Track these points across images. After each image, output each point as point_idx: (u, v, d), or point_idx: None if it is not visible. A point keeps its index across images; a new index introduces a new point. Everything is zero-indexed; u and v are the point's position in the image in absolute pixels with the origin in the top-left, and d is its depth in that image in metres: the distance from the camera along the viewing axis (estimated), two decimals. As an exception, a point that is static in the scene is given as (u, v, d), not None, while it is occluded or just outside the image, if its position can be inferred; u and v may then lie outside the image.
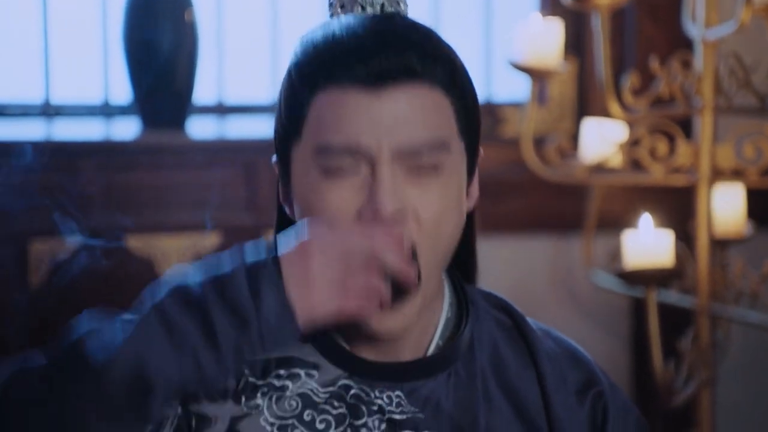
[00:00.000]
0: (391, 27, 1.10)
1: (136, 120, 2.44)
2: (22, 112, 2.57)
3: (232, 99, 2.67)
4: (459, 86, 1.11)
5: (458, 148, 1.12)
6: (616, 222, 2.51)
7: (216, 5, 2.62)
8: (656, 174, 2.34)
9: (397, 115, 1.07)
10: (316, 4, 2.59)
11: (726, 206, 2.39)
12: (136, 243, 2.28)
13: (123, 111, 2.57)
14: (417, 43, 1.09)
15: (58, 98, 2.58)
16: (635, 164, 2.37)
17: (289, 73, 1.13)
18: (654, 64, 2.31)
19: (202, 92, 2.57)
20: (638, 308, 2.59)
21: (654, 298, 2.31)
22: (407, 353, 1.15)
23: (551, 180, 2.40)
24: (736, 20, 2.16)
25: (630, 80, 2.31)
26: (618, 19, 2.72)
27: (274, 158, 1.16)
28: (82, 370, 1.01)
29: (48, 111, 2.58)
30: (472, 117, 1.14)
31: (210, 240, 2.35)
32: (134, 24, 2.34)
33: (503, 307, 1.23)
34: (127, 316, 1.04)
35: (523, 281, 2.74)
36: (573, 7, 2.33)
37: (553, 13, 2.61)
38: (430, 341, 1.17)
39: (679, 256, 2.39)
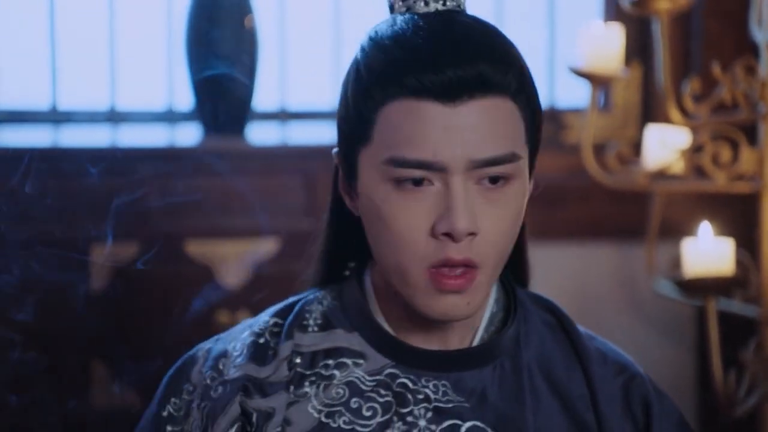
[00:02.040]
0: (463, 33, 1.10)
1: (198, 126, 2.47)
2: (89, 118, 2.62)
3: (294, 105, 2.69)
4: (526, 92, 1.12)
5: (525, 154, 1.13)
6: (679, 229, 2.48)
7: (278, 11, 2.64)
8: (719, 181, 2.31)
9: (472, 129, 1.08)
10: (379, 9, 2.59)
11: (792, 214, 2.34)
12: (195, 249, 2.30)
13: (186, 117, 2.60)
14: (490, 52, 1.09)
15: (123, 105, 2.62)
16: (698, 171, 2.34)
17: (358, 72, 1.12)
18: (716, 69, 2.27)
19: (264, 99, 2.59)
20: (702, 317, 2.56)
21: (714, 306, 2.28)
22: (453, 344, 1.18)
23: (611, 187, 2.38)
24: (800, 25, 2.13)
25: (690, 86, 2.28)
26: (684, 22, 2.69)
27: (335, 149, 1.17)
28: None
29: (113, 117, 2.62)
30: (538, 120, 1.15)
31: (268, 246, 2.36)
32: (195, 30, 2.37)
33: (550, 309, 1.26)
34: None
35: (585, 289, 2.72)
36: (633, 13, 2.30)
37: (617, 19, 2.58)
38: (475, 334, 1.19)
39: (743, 264, 2.35)
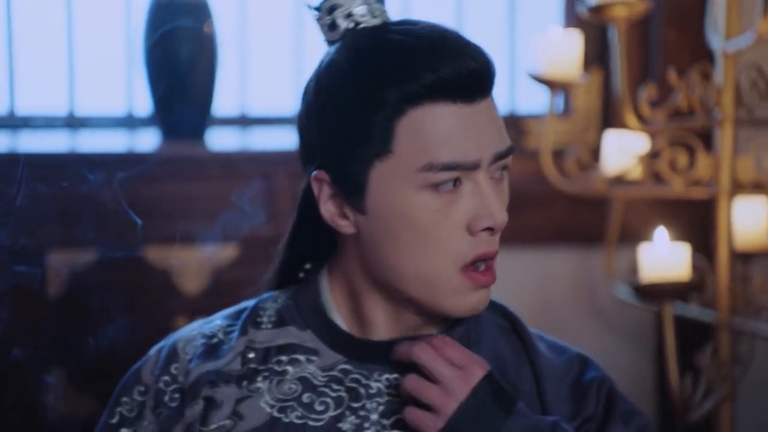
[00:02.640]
0: (453, 34, 1.14)
1: (157, 132, 2.46)
2: (47, 124, 2.60)
3: (254, 111, 2.68)
4: None
5: None
6: (639, 235, 2.49)
7: (238, 16, 2.64)
8: (676, 187, 2.32)
9: (489, 124, 1.13)
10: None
11: (748, 219, 2.36)
12: (154, 255, 2.29)
13: (145, 123, 2.59)
14: (482, 51, 1.14)
15: (82, 110, 2.61)
16: (656, 177, 2.35)
17: (361, 88, 1.12)
18: (672, 75, 2.29)
19: (224, 104, 2.58)
20: (661, 322, 2.57)
21: (670, 311, 2.30)
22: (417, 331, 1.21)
23: (570, 192, 2.39)
24: (753, 32, 2.14)
25: (647, 92, 2.29)
26: (643, 29, 2.70)
27: (315, 172, 1.16)
28: None
29: (72, 123, 2.60)
30: None
31: (228, 252, 2.35)
32: (154, 35, 2.36)
33: (503, 313, 1.28)
34: None
35: (545, 294, 2.73)
36: (590, 20, 2.32)
37: (578, 25, 2.60)
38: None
39: (699, 269, 2.37)
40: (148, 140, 2.49)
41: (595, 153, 2.50)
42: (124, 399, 1.23)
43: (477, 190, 1.12)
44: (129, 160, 2.36)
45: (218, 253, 2.35)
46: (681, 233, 2.38)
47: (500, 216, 1.12)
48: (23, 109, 2.59)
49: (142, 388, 1.23)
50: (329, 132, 1.14)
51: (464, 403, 1.14)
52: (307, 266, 1.25)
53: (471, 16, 2.80)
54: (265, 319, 1.23)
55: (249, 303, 1.27)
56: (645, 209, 2.59)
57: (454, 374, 1.15)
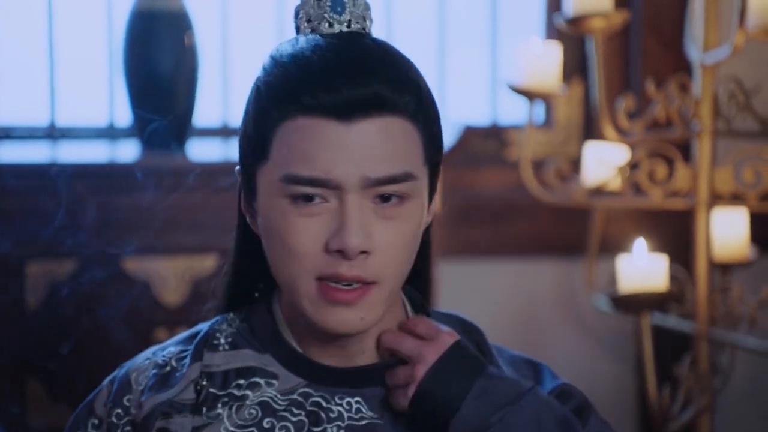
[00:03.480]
0: (361, 53, 1.11)
1: (137, 142, 2.46)
2: (28, 134, 2.60)
3: (236, 121, 2.69)
4: (425, 113, 1.13)
5: (423, 174, 1.14)
6: (619, 246, 2.50)
7: (219, 27, 2.64)
8: (655, 198, 2.33)
9: (366, 148, 1.09)
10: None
11: (727, 230, 2.37)
12: (133, 265, 2.29)
13: (126, 133, 2.59)
14: (387, 72, 1.10)
15: (63, 121, 2.61)
16: (636, 188, 2.36)
17: (258, 90, 1.14)
18: (650, 87, 2.30)
19: (206, 115, 2.59)
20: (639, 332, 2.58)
21: (648, 322, 2.30)
22: (365, 360, 1.19)
23: (551, 203, 2.39)
24: (730, 44, 2.15)
25: (625, 103, 2.30)
26: (623, 40, 2.71)
27: (237, 167, 1.19)
28: None
29: (53, 133, 2.60)
30: (438, 141, 1.16)
31: (208, 263, 2.35)
32: (133, 46, 2.35)
33: (462, 323, 1.26)
34: None
35: (528, 304, 2.73)
36: (568, 31, 2.32)
37: (560, 37, 2.61)
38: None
39: (678, 280, 2.37)
40: (128, 151, 2.49)
41: (576, 164, 2.51)
42: None
43: (341, 210, 1.09)
44: (109, 171, 2.36)
45: (198, 263, 2.35)
46: (660, 244, 2.38)
47: (351, 242, 1.08)
48: (4, 119, 2.59)
49: (95, 421, 1.21)
50: (240, 131, 1.17)
51: (433, 366, 1.14)
52: (261, 286, 1.24)
53: (453, 27, 2.81)
54: (222, 341, 1.21)
55: (203, 326, 1.24)
56: (625, 220, 2.60)
57: (425, 346, 1.15)
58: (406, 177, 1.10)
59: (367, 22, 1.16)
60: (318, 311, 1.12)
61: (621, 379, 2.73)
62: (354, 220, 1.08)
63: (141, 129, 2.41)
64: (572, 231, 2.66)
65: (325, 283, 1.11)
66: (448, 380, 1.14)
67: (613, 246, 2.53)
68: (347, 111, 1.08)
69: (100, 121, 2.64)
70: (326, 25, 1.14)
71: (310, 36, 1.13)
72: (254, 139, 1.13)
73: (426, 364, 1.14)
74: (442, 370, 1.14)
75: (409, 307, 1.24)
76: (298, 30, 1.17)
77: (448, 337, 1.16)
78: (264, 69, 1.14)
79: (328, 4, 1.14)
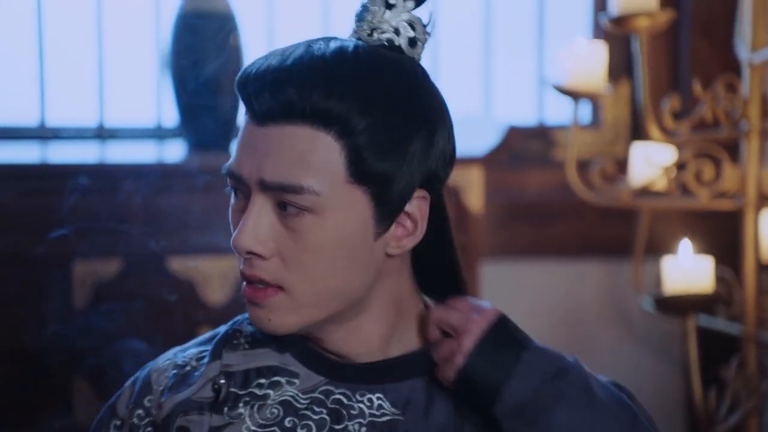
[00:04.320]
0: (298, 59, 1.09)
1: (183, 143, 2.48)
2: (77, 135, 2.63)
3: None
4: (359, 127, 1.08)
5: (344, 192, 1.10)
6: (666, 247, 2.48)
7: (264, 29, 2.65)
8: (702, 198, 2.30)
9: (269, 151, 1.09)
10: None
11: (775, 231, 2.34)
12: (178, 265, 2.31)
13: (173, 134, 2.61)
14: (309, 80, 1.08)
15: (113, 121, 2.64)
16: (683, 188, 2.34)
17: None
18: (697, 87, 2.27)
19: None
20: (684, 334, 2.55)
21: (693, 324, 2.28)
22: (372, 355, 1.18)
23: (595, 203, 2.38)
24: (778, 43, 2.13)
25: (670, 103, 2.28)
26: (672, 39, 2.69)
27: None
28: None
29: (102, 134, 2.63)
30: (380, 158, 1.10)
31: (252, 262, 2.36)
32: (179, 47, 2.38)
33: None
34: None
35: (572, 305, 2.72)
36: (613, 31, 2.31)
37: (607, 37, 2.59)
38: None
39: (726, 282, 2.35)
40: (175, 151, 2.51)
41: (623, 164, 2.49)
42: None
43: (247, 209, 1.10)
44: (155, 172, 2.38)
45: (243, 263, 2.36)
46: (707, 245, 2.36)
47: (237, 240, 1.09)
48: (54, 120, 2.62)
49: (118, 422, 1.21)
50: None
51: (480, 338, 1.13)
52: None
53: (502, 27, 2.80)
54: (242, 340, 1.21)
55: (223, 327, 1.25)
56: (672, 221, 2.58)
57: (471, 319, 1.15)
58: (298, 189, 1.08)
59: (396, 36, 1.14)
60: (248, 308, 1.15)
61: (668, 382, 2.71)
62: (249, 221, 1.09)
63: (187, 129, 2.43)
64: (619, 232, 2.64)
65: (244, 281, 1.13)
66: (496, 352, 1.13)
67: (660, 247, 2.51)
68: (261, 114, 1.09)
69: (149, 121, 2.66)
70: (365, 34, 1.15)
71: (287, 45, 1.15)
72: None
73: (473, 335, 1.13)
74: (489, 342, 1.13)
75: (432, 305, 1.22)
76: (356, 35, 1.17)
77: (493, 311, 1.16)
78: None
79: (356, 13, 1.15)
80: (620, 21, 2.22)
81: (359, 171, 1.09)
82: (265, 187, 1.09)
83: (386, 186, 1.11)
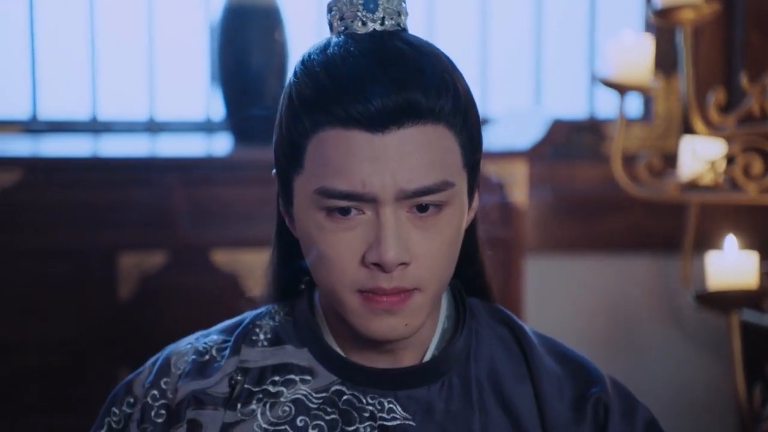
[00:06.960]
0: (394, 58, 1.06)
1: (229, 136, 2.50)
2: (128, 128, 2.67)
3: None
4: (462, 115, 1.09)
5: (462, 177, 1.11)
6: (714, 241, 2.45)
7: (309, 24, 2.66)
8: (750, 193, 2.27)
9: (402, 159, 1.05)
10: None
11: (826, 227, 2.30)
12: (222, 257, 2.32)
13: (221, 127, 2.64)
14: (421, 77, 1.06)
15: (162, 115, 2.67)
16: (731, 183, 2.30)
17: (290, 97, 1.10)
18: (744, 80, 2.24)
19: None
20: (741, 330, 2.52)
21: (737, 320, 2.25)
22: (405, 361, 1.17)
23: (641, 197, 2.35)
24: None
25: (715, 97, 2.25)
26: (724, 31, 2.65)
27: (273, 171, 1.15)
28: None
29: (152, 127, 2.66)
30: (477, 142, 1.12)
31: (295, 255, 2.37)
32: (226, 42, 2.40)
33: (505, 321, 1.24)
34: None
35: (619, 300, 2.69)
36: (658, 23, 2.28)
37: (658, 30, 2.56)
38: (426, 351, 1.18)
39: (775, 277, 2.31)
40: (222, 145, 2.53)
41: (673, 158, 2.46)
42: (114, 409, 1.21)
43: (377, 223, 1.06)
44: (201, 165, 2.40)
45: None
46: (756, 240, 2.32)
47: (387, 255, 1.05)
48: (105, 114, 2.66)
49: (131, 400, 1.20)
50: (275, 136, 1.13)
51: None
52: (306, 278, 1.22)
53: (551, 20, 2.78)
54: (261, 337, 1.20)
55: (247, 316, 1.24)
56: (721, 216, 2.55)
57: None
58: (443, 186, 1.07)
59: (402, 17, 1.12)
60: (362, 320, 1.10)
61: (717, 378, 2.68)
62: (390, 233, 1.06)
63: (233, 123, 2.45)
64: (668, 226, 2.62)
65: (367, 294, 1.08)
66: None
67: (709, 242, 2.48)
68: (380, 122, 1.04)
69: (198, 115, 2.69)
70: (359, 23, 1.10)
71: (342, 38, 1.09)
72: (288, 148, 1.09)
73: None
74: None
75: (444, 304, 1.21)
76: (331, 27, 1.13)
77: None
78: (295, 74, 1.10)
79: (360, 2, 1.10)
80: (665, 13, 2.19)
81: (467, 156, 1.10)
82: (405, 194, 1.06)
83: (477, 168, 1.13)
